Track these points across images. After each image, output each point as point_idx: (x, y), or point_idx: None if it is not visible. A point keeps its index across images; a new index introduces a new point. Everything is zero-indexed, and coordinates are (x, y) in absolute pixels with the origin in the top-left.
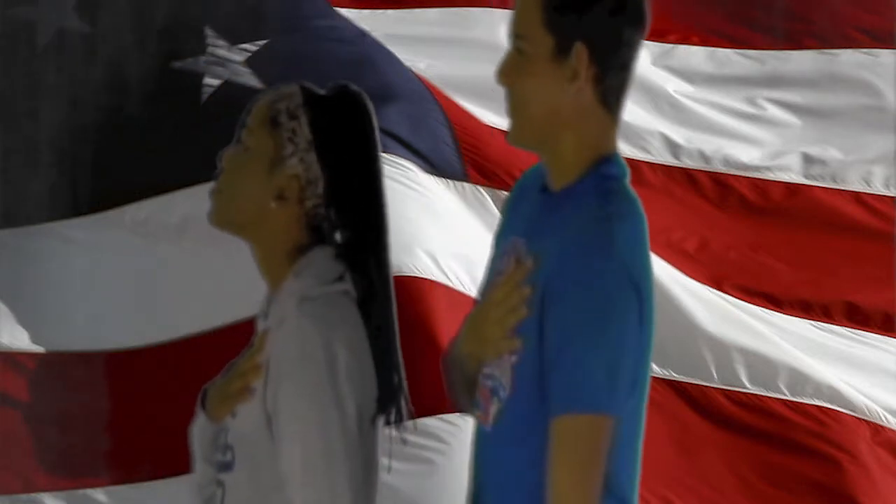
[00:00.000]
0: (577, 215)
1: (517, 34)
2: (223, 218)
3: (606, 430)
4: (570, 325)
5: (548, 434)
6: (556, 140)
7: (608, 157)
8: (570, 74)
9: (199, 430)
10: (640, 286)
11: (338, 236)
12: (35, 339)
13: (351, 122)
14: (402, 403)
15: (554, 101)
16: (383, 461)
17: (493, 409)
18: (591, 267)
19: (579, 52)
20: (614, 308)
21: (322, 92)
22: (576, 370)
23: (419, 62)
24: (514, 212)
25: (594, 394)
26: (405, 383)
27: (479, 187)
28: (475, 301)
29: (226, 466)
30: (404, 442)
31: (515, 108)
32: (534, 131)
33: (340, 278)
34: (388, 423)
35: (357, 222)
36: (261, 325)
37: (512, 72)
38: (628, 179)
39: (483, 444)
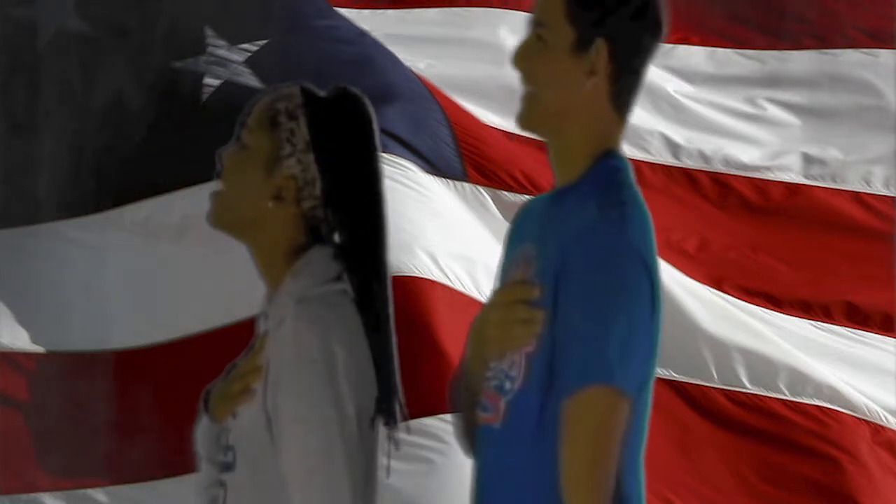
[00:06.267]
0: (585, 205)
1: (538, 21)
2: (222, 219)
3: (620, 407)
4: (583, 304)
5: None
6: (564, 131)
7: (612, 152)
8: (588, 68)
9: (203, 430)
10: (652, 271)
11: (336, 237)
12: (35, 339)
13: (350, 125)
14: (397, 405)
15: (569, 93)
16: (383, 462)
17: (502, 403)
18: (605, 246)
19: (600, 47)
20: (628, 286)
21: (322, 94)
22: (589, 345)
23: (419, 62)
24: (523, 222)
25: (608, 366)
26: (400, 384)
27: (478, 187)
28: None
29: (227, 467)
30: (397, 444)
31: (529, 94)
32: (545, 119)
33: (338, 278)
34: (383, 423)
35: (355, 224)
36: (261, 326)
37: (530, 57)
38: (633, 175)
39: (490, 447)
